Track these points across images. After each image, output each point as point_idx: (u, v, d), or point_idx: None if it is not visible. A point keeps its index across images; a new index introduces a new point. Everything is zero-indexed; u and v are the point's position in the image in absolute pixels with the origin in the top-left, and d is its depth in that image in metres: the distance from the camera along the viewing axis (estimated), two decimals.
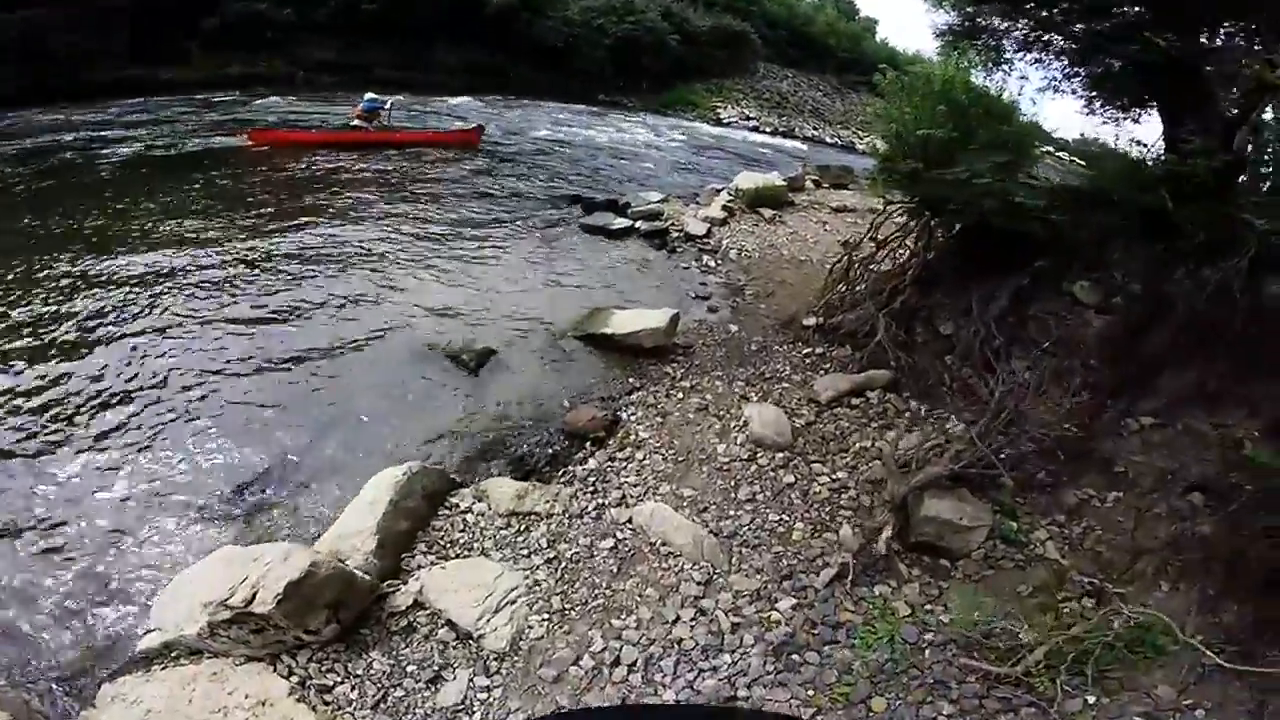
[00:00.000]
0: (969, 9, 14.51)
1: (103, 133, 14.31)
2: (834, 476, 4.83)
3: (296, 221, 9.18)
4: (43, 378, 5.49)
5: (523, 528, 4.34)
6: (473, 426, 5.39)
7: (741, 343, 6.91)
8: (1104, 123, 10.40)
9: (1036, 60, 13.57)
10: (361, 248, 8.51)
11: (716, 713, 2.21)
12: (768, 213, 10.94)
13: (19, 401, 5.21)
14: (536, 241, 9.34)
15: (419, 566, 4.00)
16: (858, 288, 7.00)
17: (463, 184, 12.07)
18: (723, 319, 7.56)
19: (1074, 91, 13.22)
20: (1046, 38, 13.00)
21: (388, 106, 15.07)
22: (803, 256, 9.52)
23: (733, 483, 4.76)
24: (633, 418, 5.62)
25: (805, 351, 6.62)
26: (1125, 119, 12.14)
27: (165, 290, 6.95)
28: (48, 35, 20.17)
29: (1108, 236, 5.45)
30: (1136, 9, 6.07)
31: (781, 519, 4.38)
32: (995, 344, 5.37)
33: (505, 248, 9.01)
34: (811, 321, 6.95)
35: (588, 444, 5.32)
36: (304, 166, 12.19)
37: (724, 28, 33.02)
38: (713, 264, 9.16)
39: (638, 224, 10.04)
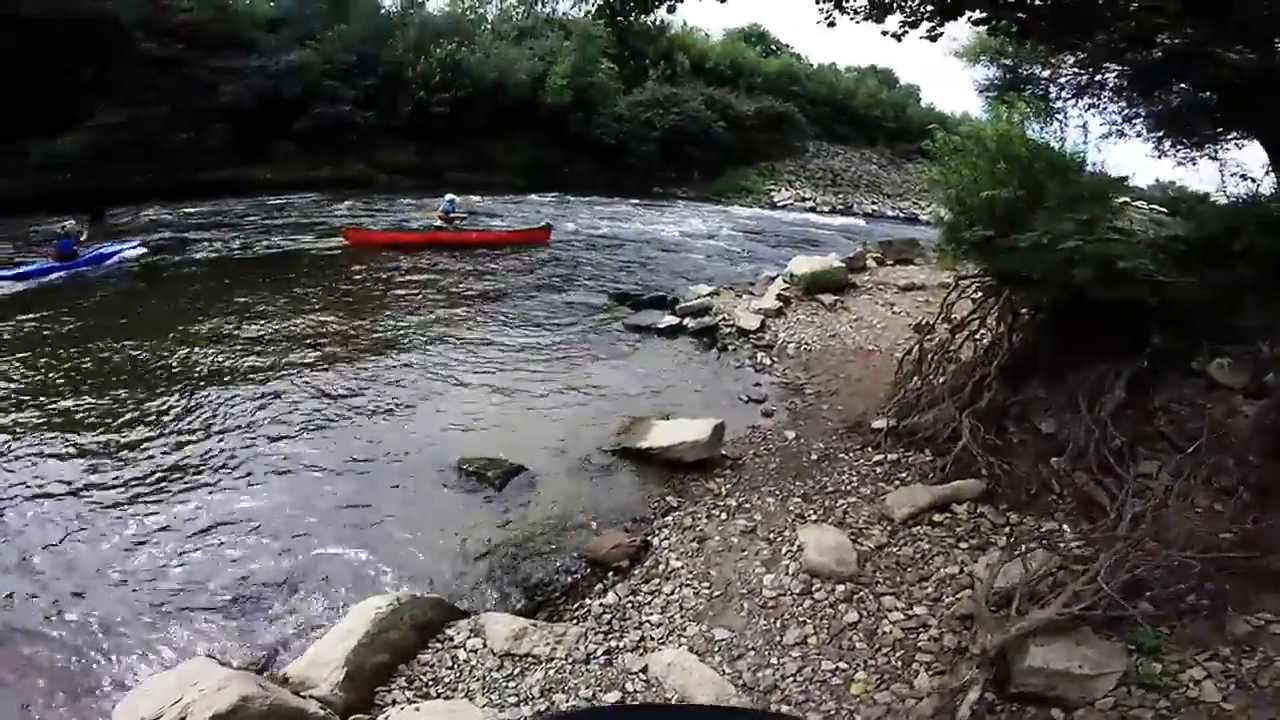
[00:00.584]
0: (1006, 61, 13.79)
1: (212, 230, 16.35)
2: (910, 612, 4.07)
3: (351, 325, 9.51)
4: (84, 455, 6.01)
5: (517, 670, 3.81)
6: (486, 550, 4.98)
7: (799, 452, 6.20)
8: (1178, 164, 9.43)
9: (1091, 105, 12.73)
10: (406, 354, 8.60)
11: (717, 713, 2.14)
12: (827, 299, 10.30)
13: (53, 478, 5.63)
14: (579, 345, 9.12)
15: (393, 703, 3.55)
16: (935, 381, 6.18)
17: (511, 286, 12.23)
18: (778, 424, 6.89)
19: (1139, 133, 12.12)
20: (1098, 79, 12.15)
21: (458, 206, 16.36)
22: (869, 345, 8.78)
23: (779, 622, 4.07)
24: (666, 543, 5.00)
25: (876, 460, 5.83)
26: (1202, 155, 11.18)
27: (216, 390, 7.35)
28: (160, 135, 22.89)
29: (1237, 297, 4.51)
30: (1188, 31, 5.25)
31: (838, 667, 3.67)
32: (1115, 444, 4.41)
33: (546, 353, 8.84)
34: (882, 424, 6.16)
35: (610, 573, 4.76)
36: (378, 267, 12.79)
37: (767, 110, 33.78)
38: (767, 361, 8.55)
39: (686, 321, 9.62)
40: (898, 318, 9.89)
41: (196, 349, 8.42)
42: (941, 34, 7.35)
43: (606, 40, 32.40)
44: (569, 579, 4.68)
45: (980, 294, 6.06)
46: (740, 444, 6.43)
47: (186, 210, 19.09)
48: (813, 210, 30.17)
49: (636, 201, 26.33)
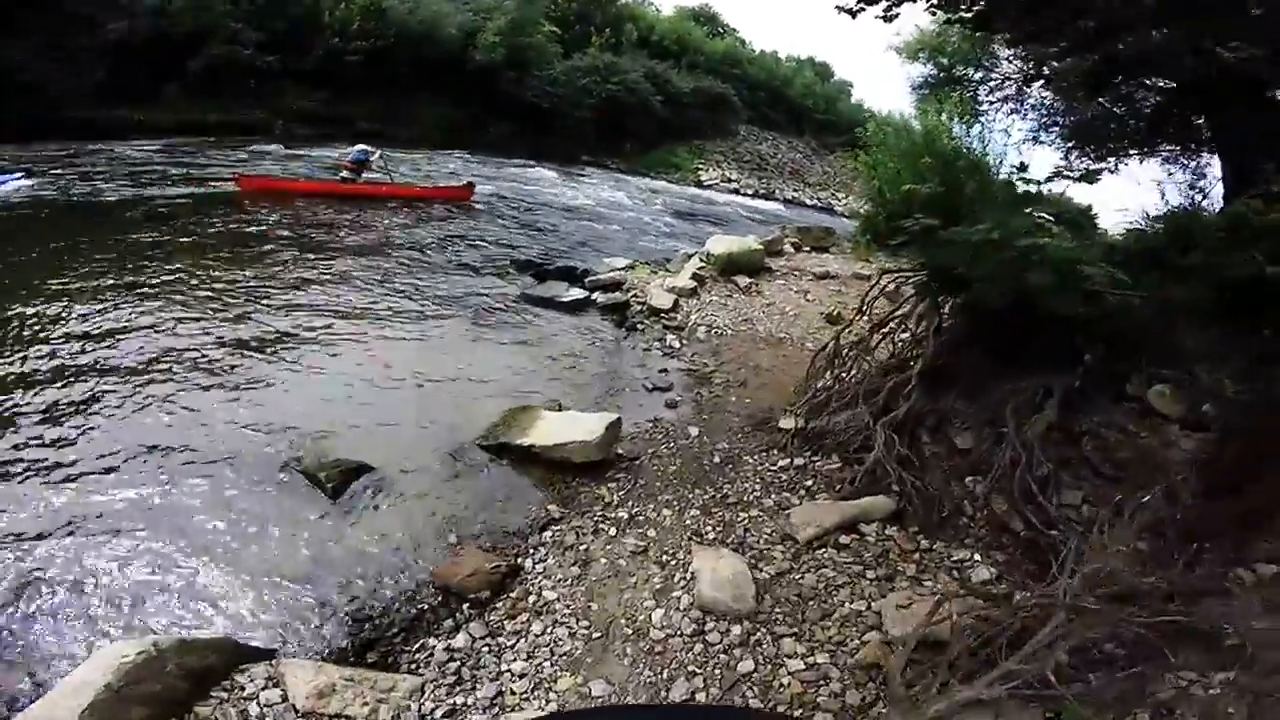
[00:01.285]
0: (942, 60, 13.40)
1: (80, 174, 13.78)
2: (811, 660, 3.36)
3: (206, 280, 7.96)
4: None
5: None
6: (304, 573, 3.84)
7: (702, 453, 5.41)
8: (1079, 177, 9.70)
9: (1014, 111, 12.42)
10: (263, 319, 7.14)
11: (717, 713, 2.07)
12: (743, 281, 9.59)
13: None
14: (468, 318, 7.94)
15: None
16: (849, 381, 5.50)
17: (406, 247, 10.79)
18: (683, 418, 6.08)
19: (1051, 143, 11.94)
20: (1024, 89, 11.81)
21: (376, 157, 14.40)
22: (781, 333, 8.12)
23: (666, 673, 3.30)
24: (541, 567, 4.10)
25: (782, 464, 5.12)
26: (1104, 168, 11.02)
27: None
28: (15, 71, 19.39)
29: (1174, 316, 3.99)
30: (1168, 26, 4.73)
31: None
32: (1040, 470, 3.81)
33: (429, 325, 7.62)
34: (791, 424, 5.46)
35: (466, 606, 3.78)
36: (263, 218, 10.96)
37: (706, 90, 32.84)
38: (677, 344, 7.72)
39: (595, 295, 8.65)
40: (810, 306, 9.29)
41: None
42: (898, 15, 6.65)
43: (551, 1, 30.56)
44: (411, 613, 3.65)
45: (907, 290, 5.42)
46: (640, 441, 5.56)
47: (43, 151, 16.01)
48: (736, 192, 29.63)
49: (561, 168, 24.93)
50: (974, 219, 4.60)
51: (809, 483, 4.89)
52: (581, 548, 4.23)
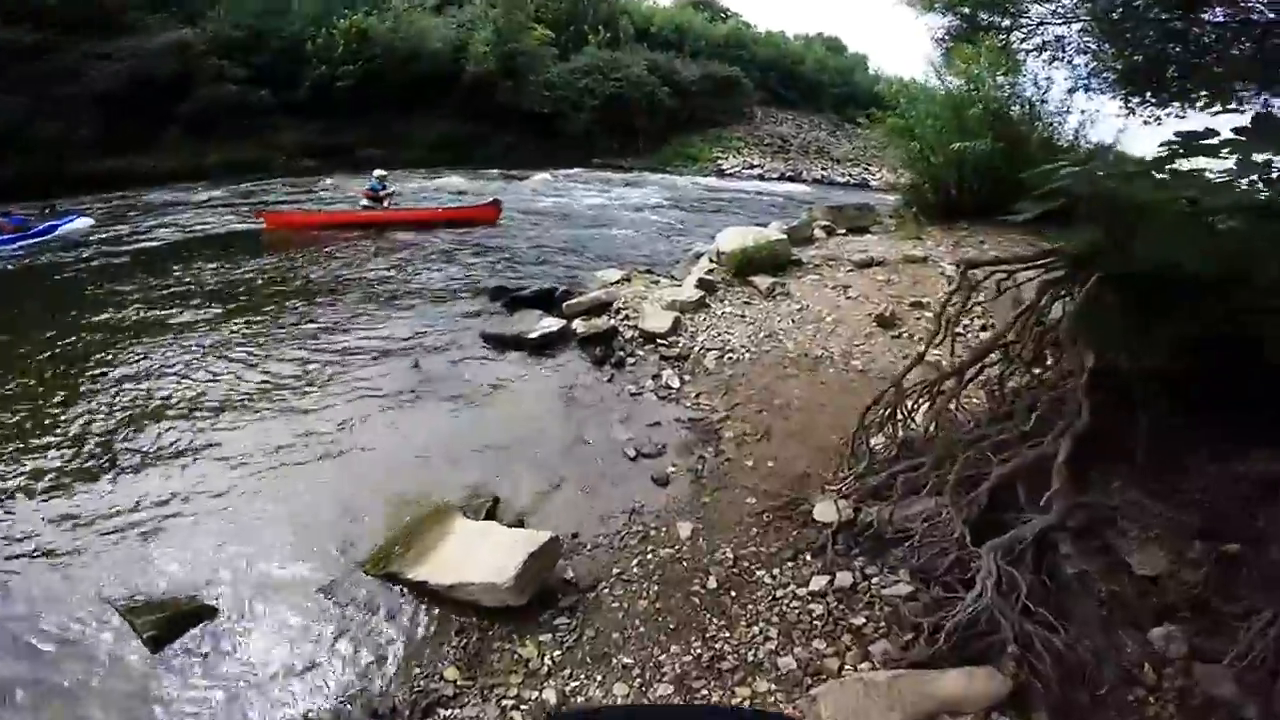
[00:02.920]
0: (964, 8, 11.31)
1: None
2: None
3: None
4: None
5: None
6: None
7: (696, 567, 3.55)
8: (1145, 122, 7.70)
9: (1054, 58, 10.49)
10: (165, 384, 5.75)
11: (716, 713, 1.86)
12: (764, 282, 7.61)
13: None
14: (406, 372, 6.22)
15: None
16: (919, 438, 3.53)
17: (355, 277, 9.30)
18: (673, 504, 4.21)
19: (1104, 89, 10.07)
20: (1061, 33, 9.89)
21: (388, 184, 13.82)
22: (818, 349, 6.12)
23: None
24: None
25: (816, 584, 3.19)
26: (1168, 114, 9.23)
27: None
28: (19, 129, 19.58)
29: None
30: None
31: None
32: None
33: (353, 386, 5.93)
34: (830, 513, 3.52)
35: None
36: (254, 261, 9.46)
37: (714, 75, 30.68)
38: (675, 382, 5.81)
39: (574, 324, 6.80)
40: (854, 305, 7.23)
41: None
42: None
43: (539, 4, 29.06)
44: None
45: (1016, 294, 3.43)
46: (601, 554, 3.71)
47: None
48: (760, 178, 27.42)
49: (569, 173, 23.25)
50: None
51: (858, 621, 2.98)
52: None
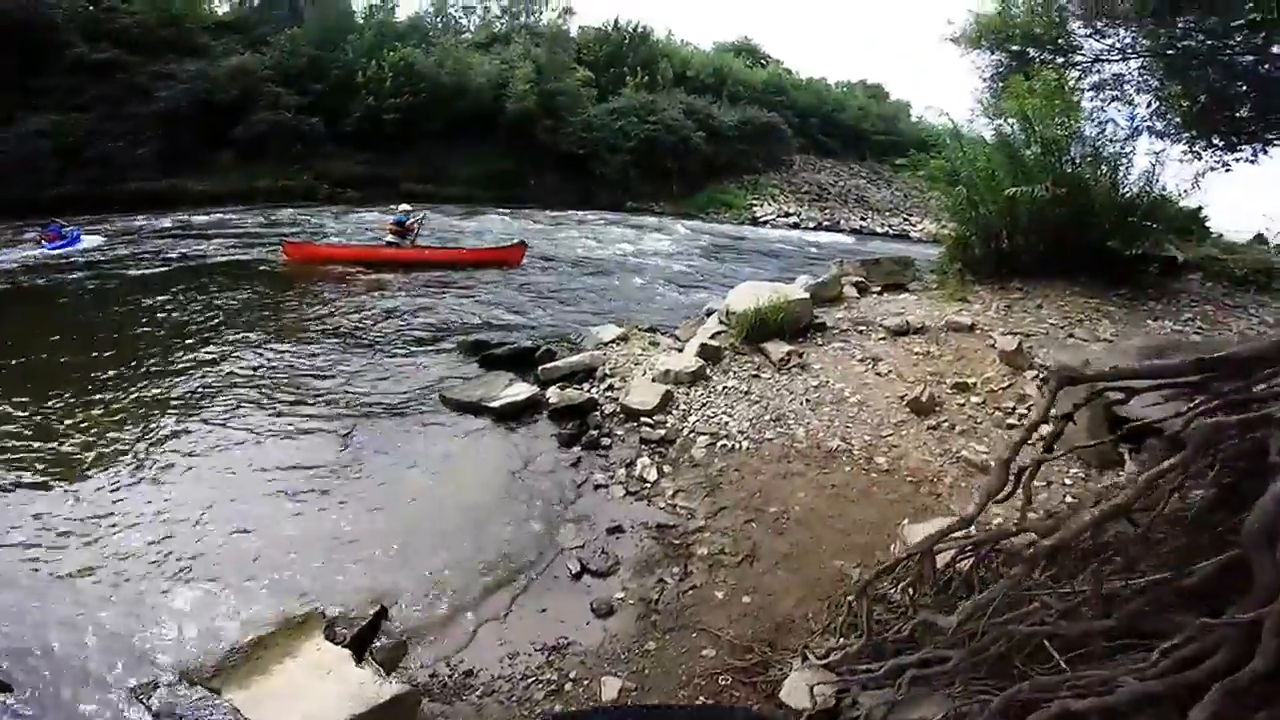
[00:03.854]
0: (1013, 45, 10.44)
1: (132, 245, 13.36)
2: None
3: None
4: None
5: None
6: None
7: None
8: (1211, 168, 7.80)
9: (1114, 97, 9.72)
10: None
11: (716, 713, 2.02)
12: (777, 350, 6.45)
13: None
14: (343, 439, 5.20)
15: None
16: (951, 617, 2.31)
17: (363, 316, 8.50)
18: (613, 644, 3.23)
19: (1166, 133, 8.88)
20: (1123, 73, 9.13)
21: (419, 219, 13.17)
22: (834, 439, 4.92)
23: None
24: None
25: None
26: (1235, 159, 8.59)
27: None
28: (85, 144, 19.94)
29: None
30: None
31: None
32: None
33: (278, 452, 5.00)
34: (803, 695, 2.39)
35: None
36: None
37: (751, 120, 30.02)
38: (654, 474, 4.68)
39: (549, 392, 5.73)
40: (884, 383, 5.98)
41: None
42: None
43: (581, 45, 29.04)
44: None
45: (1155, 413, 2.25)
46: (493, 705, 2.81)
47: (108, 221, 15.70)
48: (796, 226, 26.40)
49: (603, 217, 22.61)
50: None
51: None
52: None
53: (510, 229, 17.58)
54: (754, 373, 6.16)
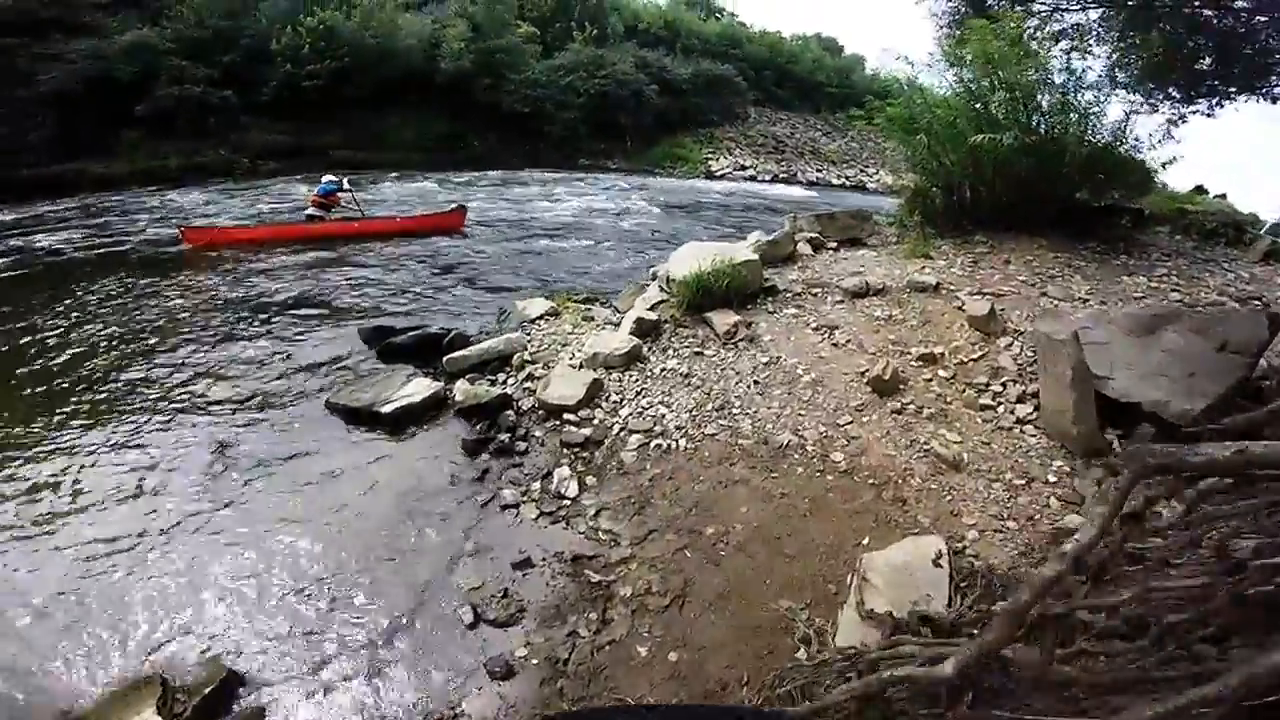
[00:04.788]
0: None
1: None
2: None
3: None
4: None
5: None
6: None
7: None
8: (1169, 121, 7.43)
9: (1073, 48, 8.71)
10: None
11: (716, 713, 2.03)
12: (723, 321, 5.64)
13: None
14: (207, 461, 4.20)
15: None
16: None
17: (258, 304, 7.38)
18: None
19: (1125, 85, 8.33)
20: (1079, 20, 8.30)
21: (345, 189, 11.73)
22: (785, 432, 4.17)
23: None
24: None
25: None
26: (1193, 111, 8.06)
27: None
28: None
29: None
30: None
31: None
32: None
33: (151, 475, 4.10)
34: None
35: None
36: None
37: (705, 73, 28.60)
38: (572, 489, 3.88)
39: (455, 388, 4.83)
40: (842, 356, 5.23)
41: None
42: None
43: (523, 0, 27.14)
44: None
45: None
46: None
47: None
48: (752, 179, 25.43)
49: (552, 176, 21.27)
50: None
51: None
52: None
53: (450, 195, 16.26)
54: (696, 349, 5.34)
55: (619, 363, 5.02)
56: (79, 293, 8.00)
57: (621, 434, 4.29)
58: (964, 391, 4.43)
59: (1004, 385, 4.44)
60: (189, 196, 16.32)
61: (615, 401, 4.66)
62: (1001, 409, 4.24)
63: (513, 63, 24.93)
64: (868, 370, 4.85)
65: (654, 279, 6.92)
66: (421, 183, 18.61)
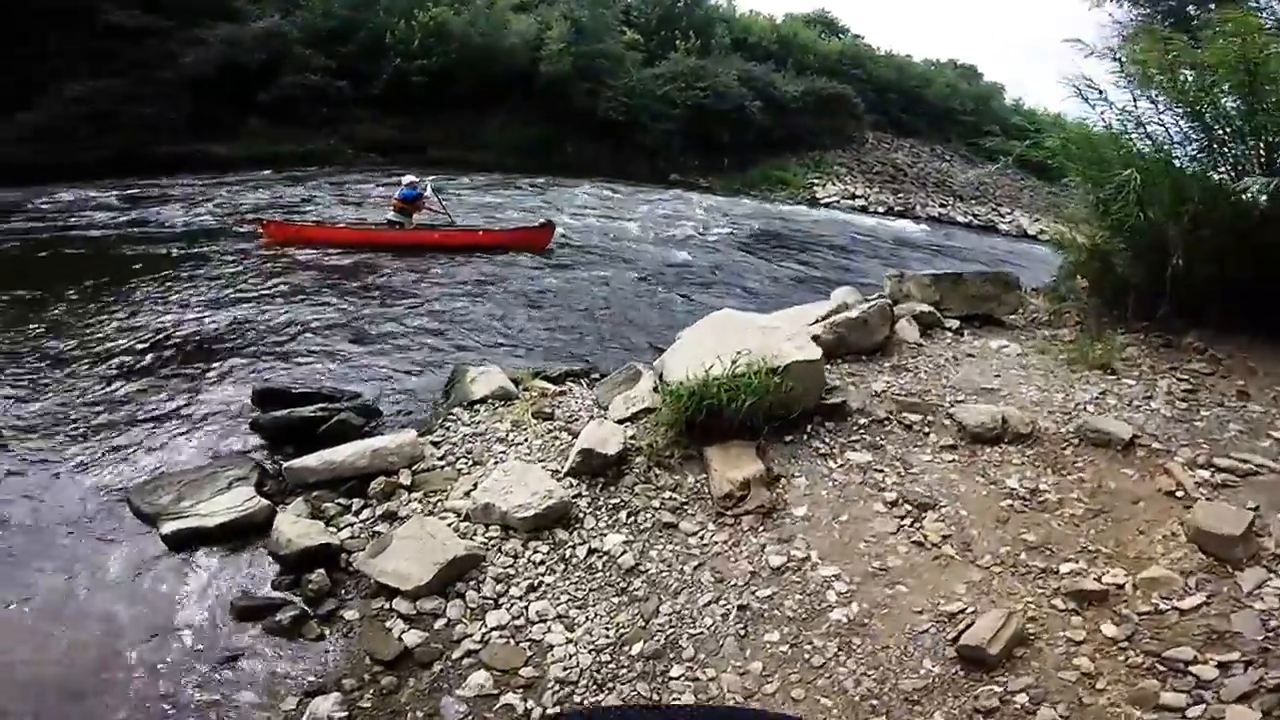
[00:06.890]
0: None
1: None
2: None
3: None
4: None
5: None
6: None
7: None
8: None
9: None
10: None
11: (716, 713, 1.86)
12: (729, 469, 3.50)
13: None
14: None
15: None
16: None
17: (231, 324, 6.13)
18: None
19: None
20: None
21: (427, 192, 10.70)
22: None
23: None
24: None
25: None
26: None
27: None
28: (119, 108, 19.22)
29: None
30: None
31: None
32: None
33: None
34: None
35: None
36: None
37: (819, 91, 25.90)
38: None
39: (284, 515, 3.01)
40: (927, 567, 2.83)
41: None
42: None
43: (631, 6, 25.80)
44: None
45: None
46: None
47: (119, 191, 14.05)
48: (863, 210, 22.54)
49: (639, 190, 19.46)
50: None
51: None
52: None
53: (530, 205, 14.86)
54: (668, 519, 3.20)
55: (526, 525, 2.97)
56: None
57: (465, 661, 2.26)
58: (1142, 678, 2.06)
59: (1222, 669, 2.05)
60: (292, 189, 15.89)
61: (488, 596, 2.64)
62: None
63: (613, 68, 23.60)
64: (964, 611, 2.54)
65: (632, 378, 4.59)
66: (508, 191, 17.40)
